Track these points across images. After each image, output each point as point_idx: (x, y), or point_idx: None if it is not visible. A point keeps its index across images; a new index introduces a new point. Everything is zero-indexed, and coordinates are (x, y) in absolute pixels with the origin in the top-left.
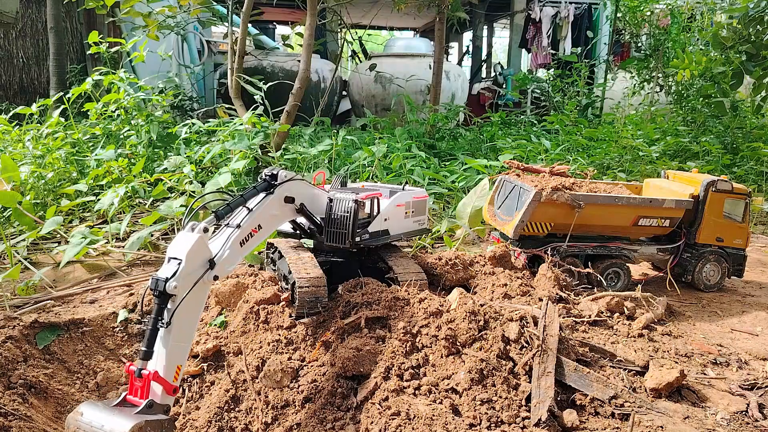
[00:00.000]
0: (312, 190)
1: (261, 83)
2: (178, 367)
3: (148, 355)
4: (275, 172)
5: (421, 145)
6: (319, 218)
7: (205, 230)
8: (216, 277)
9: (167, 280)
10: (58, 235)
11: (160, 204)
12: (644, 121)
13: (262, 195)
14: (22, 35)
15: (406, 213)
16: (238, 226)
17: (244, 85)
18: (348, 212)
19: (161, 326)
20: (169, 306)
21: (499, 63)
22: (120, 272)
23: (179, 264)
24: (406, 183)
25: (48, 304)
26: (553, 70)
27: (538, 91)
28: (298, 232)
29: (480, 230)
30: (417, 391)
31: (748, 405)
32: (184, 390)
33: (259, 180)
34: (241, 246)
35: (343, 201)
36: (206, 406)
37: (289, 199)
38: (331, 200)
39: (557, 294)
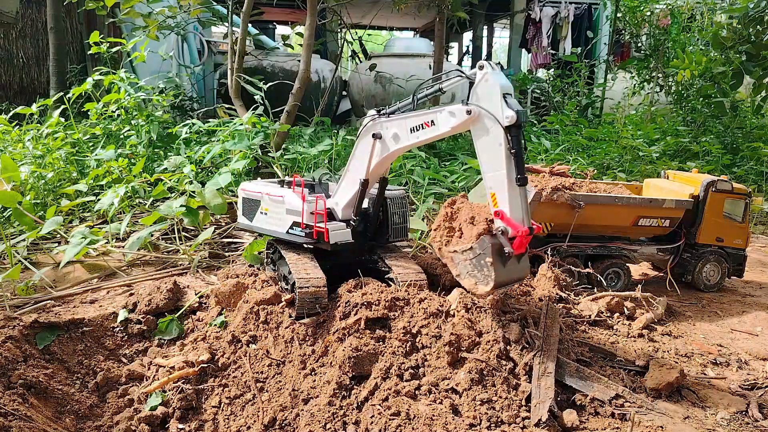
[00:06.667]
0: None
1: (261, 83)
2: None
3: (525, 180)
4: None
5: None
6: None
7: None
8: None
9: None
10: (58, 235)
11: (160, 204)
12: (644, 121)
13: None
14: (22, 35)
15: None
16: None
17: (244, 85)
18: (403, 207)
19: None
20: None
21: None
22: (120, 272)
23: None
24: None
25: (48, 304)
26: (553, 70)
27: (538, 91)
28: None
29: None
30: (417, 391)
31: (748, 405)
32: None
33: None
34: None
35: (398, 197)
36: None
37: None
38: (386, 199)
39: (557, 294)
